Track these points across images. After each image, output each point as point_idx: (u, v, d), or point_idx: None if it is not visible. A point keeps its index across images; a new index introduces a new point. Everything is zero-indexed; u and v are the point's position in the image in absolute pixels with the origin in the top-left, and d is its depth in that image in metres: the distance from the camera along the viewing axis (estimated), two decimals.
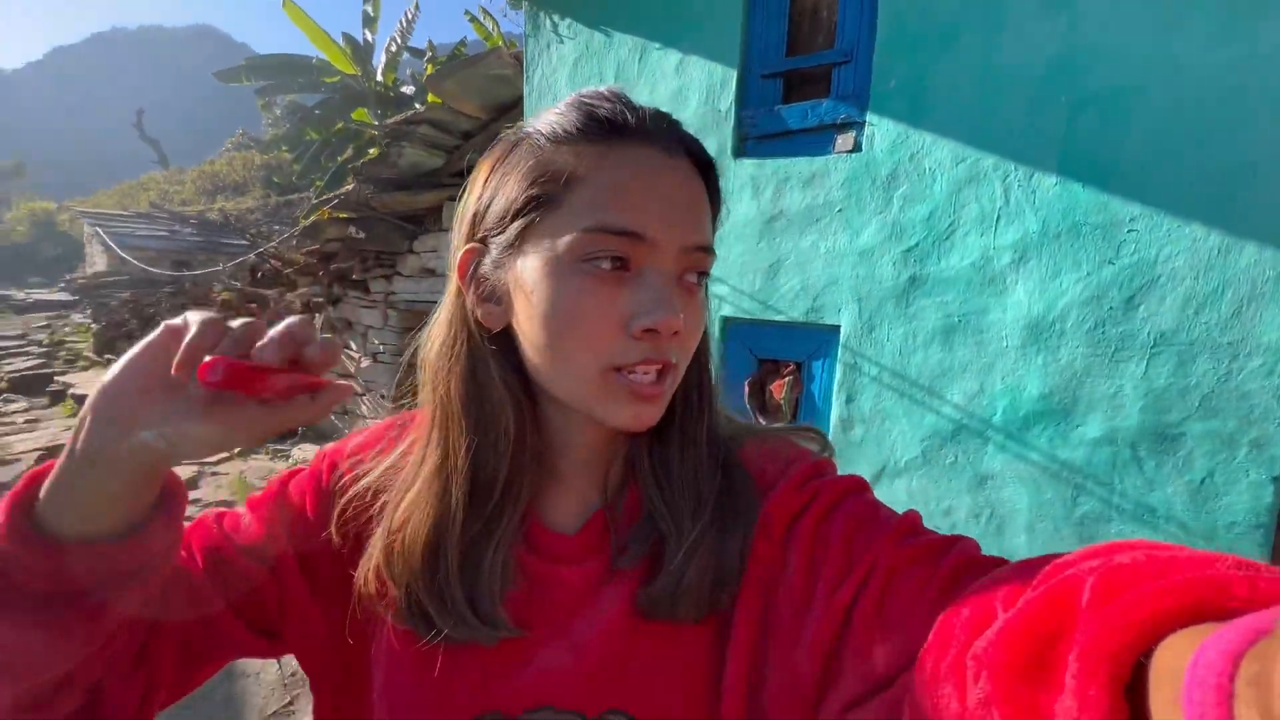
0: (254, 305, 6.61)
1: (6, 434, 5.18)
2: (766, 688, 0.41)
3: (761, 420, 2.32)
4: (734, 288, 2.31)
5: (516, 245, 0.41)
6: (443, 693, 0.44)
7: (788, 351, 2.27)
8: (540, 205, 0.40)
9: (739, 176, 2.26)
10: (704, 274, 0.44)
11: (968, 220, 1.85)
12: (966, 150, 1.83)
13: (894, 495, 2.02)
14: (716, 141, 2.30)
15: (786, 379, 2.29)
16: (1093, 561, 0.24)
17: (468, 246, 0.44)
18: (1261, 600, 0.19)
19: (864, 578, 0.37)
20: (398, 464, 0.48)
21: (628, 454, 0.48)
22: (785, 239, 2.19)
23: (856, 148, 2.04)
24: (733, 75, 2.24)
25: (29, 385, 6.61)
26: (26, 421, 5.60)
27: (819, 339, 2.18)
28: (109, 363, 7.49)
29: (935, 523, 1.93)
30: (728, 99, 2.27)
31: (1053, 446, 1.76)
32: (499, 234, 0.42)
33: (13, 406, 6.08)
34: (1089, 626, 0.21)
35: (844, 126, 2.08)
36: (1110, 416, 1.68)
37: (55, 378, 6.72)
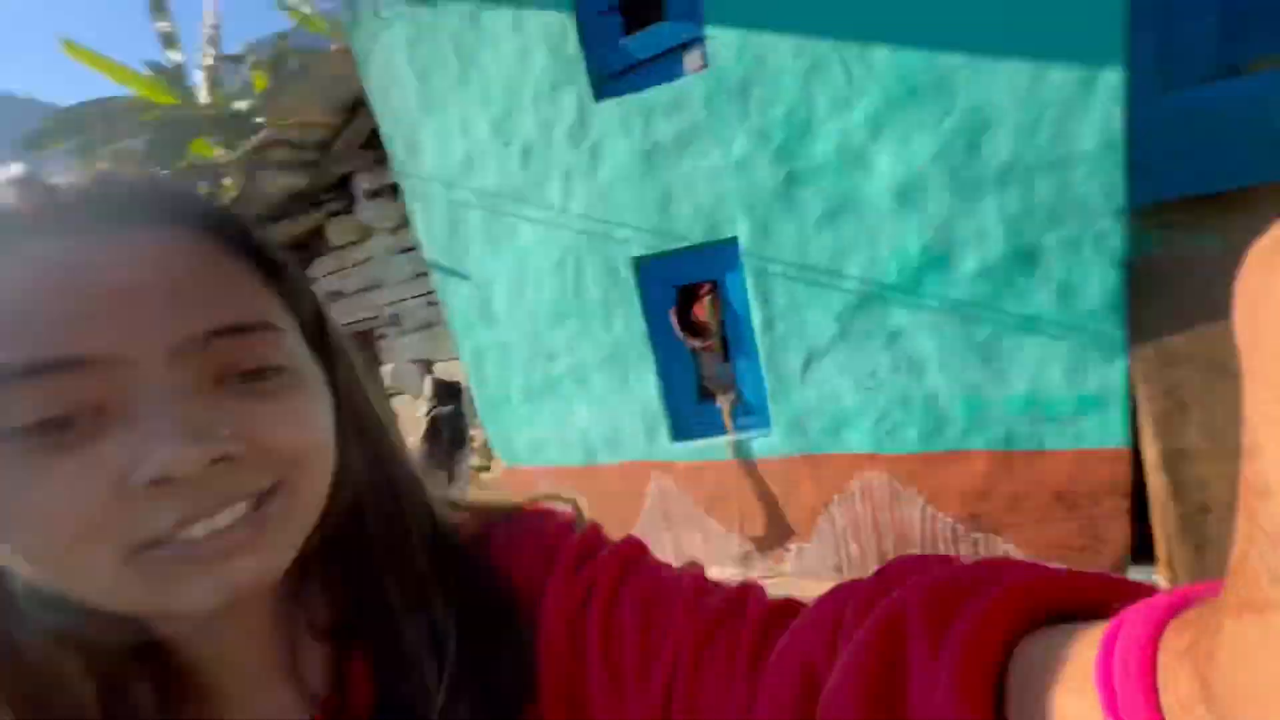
0: None
1: None
2: None
3: (696, 344, 2.47)
4: (634, 227, 2.38)
5: None
6: None
7: (700, 273, 2.39)
8: None
9: (607, 120, 2.28)
10: (264, 369, 0.30)
11: (821, 110, 1.96)
12: (809, 43, 1.92)
13: (824, 375, 2.23)
14: (577, 90, 2.29)
15: (706, 299, 2.42)
16: (903, 581, 0.24)
17: None
18: (1113, 592, 0.19)
19: (672, 662, 0.33)
20: None
21: (322, 622, 0.37)
22: (665, 168, 2.25)
23: (706, 64, 2.09)
24: (571, 19, 2.22)
25: None
26: None
27: (723, 254, 2.30)
28: None
29: (865, 387, 2.15)
30: (572, 43, 2.25)
31: (944, 289, 1.97)
32: None
33: None
34: (948, 650, 0.20)
35: (689, 46, 2.12)
36: (980, 252, 1.89)
37: None
